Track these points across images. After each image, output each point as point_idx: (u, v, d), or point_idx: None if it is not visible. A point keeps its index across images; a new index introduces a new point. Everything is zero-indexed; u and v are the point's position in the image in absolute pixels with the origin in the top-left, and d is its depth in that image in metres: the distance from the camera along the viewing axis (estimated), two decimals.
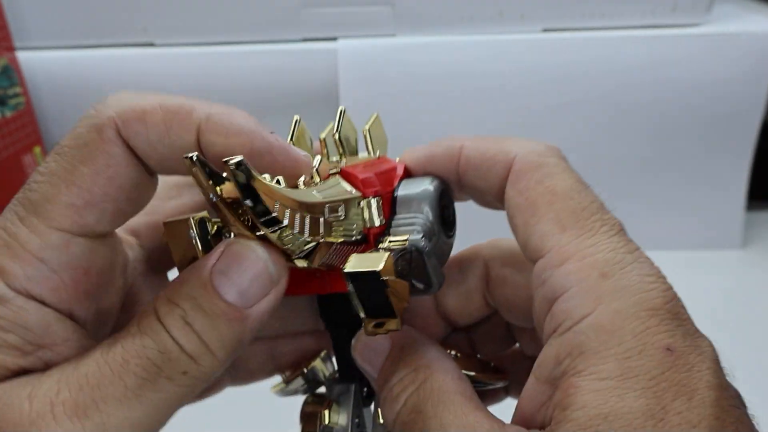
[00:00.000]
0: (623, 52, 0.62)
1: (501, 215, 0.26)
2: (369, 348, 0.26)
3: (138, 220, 0.26)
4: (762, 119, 0.64)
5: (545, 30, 0.62)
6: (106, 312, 0.24)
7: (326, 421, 0.27)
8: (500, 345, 0.31)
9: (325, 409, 0.27)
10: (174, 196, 0.29)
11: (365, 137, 0.28)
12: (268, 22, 0.63)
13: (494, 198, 0.26)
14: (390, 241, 0.24)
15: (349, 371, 0.28)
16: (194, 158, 0.20)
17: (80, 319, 0.23)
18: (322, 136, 0.27)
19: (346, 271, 0.21)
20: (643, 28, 0.62)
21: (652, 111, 0.63)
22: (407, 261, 0.23)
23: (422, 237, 0.24)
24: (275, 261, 0.22)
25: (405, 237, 0.24)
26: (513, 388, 0.31)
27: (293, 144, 0.26)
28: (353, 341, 0.26)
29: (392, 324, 0.22)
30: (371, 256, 0.22)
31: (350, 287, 0.22)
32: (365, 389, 0.28)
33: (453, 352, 0.29)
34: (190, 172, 0.21)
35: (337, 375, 0.29)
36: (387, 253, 0.22)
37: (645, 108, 0.63)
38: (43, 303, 0.22)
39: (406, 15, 0.62)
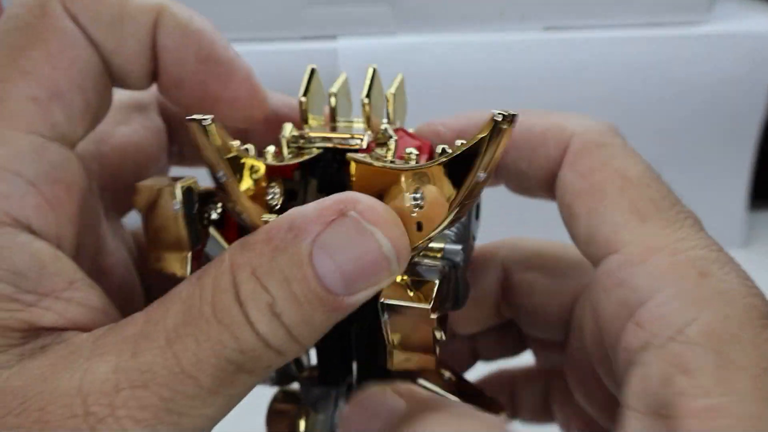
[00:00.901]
0: (624, 51, 0.61)
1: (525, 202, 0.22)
2: (365, 407, 0.20)
3: (83, 148, 0.21)
4: (763, 118, 0.64)
5: (546, 29, 0.62)
6: (84, 252, 0.19)
7: None
8: (507, 351, 0.28)
9: (300, 418, 0.24)
10: (121, 121, 0.23)
11: (388, 102, 0.24)
12: (267, 20, 0.62)
13: (539, 183, 0.22)
14: (423, 256, 0.19)
15: (332, 373, 0.24)
16: (208, 121, 0.16)
17: (67, 253, 0.18)
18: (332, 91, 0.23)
19: (384, 302, 0.18)
20: (644, 27, 0.61)
21: (653, 110, 0.63)
22: (447, 283, 0.19)
23: (460, 248, 0.19)
24: (397, 241, 0.17)
25: (440, 246, 0.20)
26: (522, 410, 0.27)
27: (305, 98, 0.23)
28: (346, 406, 0.21)
29: (428, 362, 0.19)
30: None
31: (384, 317, 0.18)
32: (350, 394, 0.25)
33: (447, 375, 0.25)
34: (195, 139, 0.17)
35: (315, 374, 0.25)
36: (434, 283, 0.18)
37: (646, 107, 0.63)
38: (29, 230, 0.17)
39: (407, 14, 0.62)
